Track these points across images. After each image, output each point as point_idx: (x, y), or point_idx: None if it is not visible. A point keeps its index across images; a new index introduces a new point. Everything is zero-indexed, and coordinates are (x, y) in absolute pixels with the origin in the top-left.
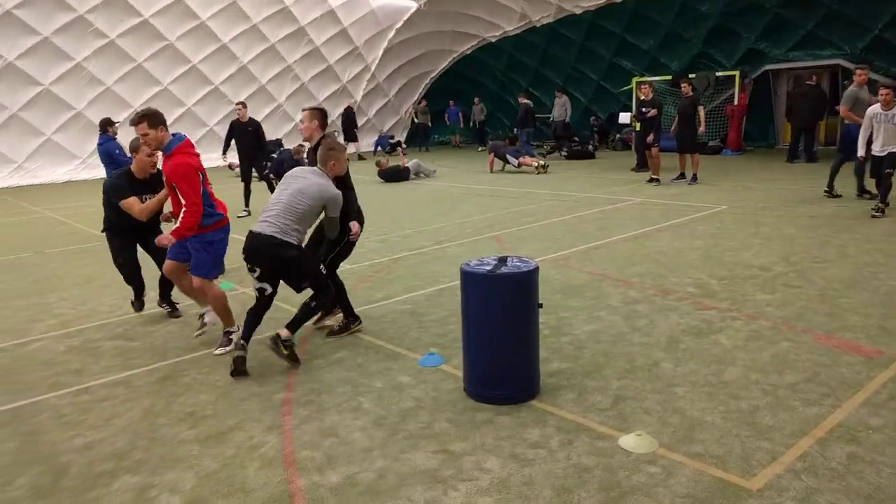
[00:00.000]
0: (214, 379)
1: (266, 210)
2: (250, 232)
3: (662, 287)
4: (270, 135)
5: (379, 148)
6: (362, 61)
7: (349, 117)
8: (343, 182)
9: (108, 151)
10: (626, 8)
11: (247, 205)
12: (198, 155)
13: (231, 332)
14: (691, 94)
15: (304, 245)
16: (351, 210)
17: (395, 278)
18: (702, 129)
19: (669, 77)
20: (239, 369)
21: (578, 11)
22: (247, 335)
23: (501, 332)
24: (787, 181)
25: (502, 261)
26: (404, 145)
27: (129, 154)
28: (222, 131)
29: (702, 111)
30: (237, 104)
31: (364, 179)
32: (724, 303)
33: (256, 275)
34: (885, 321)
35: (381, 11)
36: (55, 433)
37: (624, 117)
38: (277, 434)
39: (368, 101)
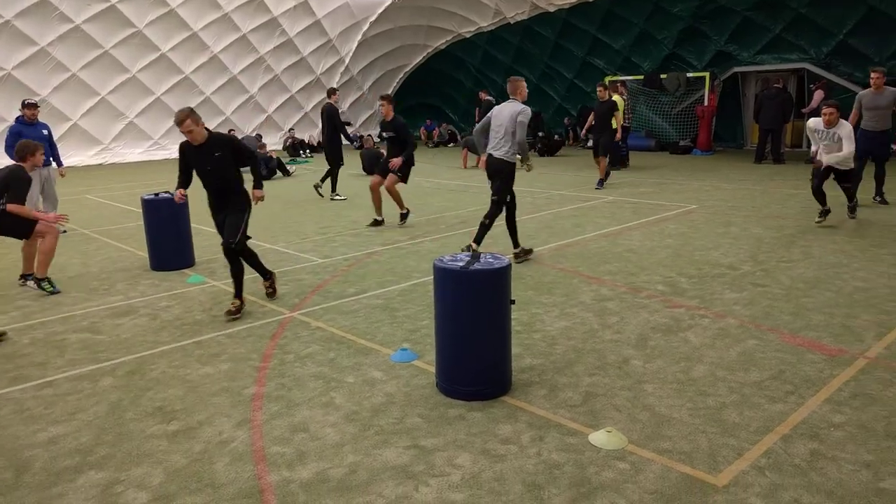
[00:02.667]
0: (184, 373)
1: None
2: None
3: (633, 285)
4: (244, 127)
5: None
6: (336, 54)
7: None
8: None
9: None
10: (600, 7)
11: None
12: None
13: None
14: (607, 98)
15: None
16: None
17: (369, 273)
18: (618, 135)
19: (642, 77)
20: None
21: (552, 9)
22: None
23: (474, 328)
24: (755, 181)
25: (475, 257)
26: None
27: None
28: None
29: (619, 117)
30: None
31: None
32: (693, 301)
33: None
34: (847, 320)
35: (355, 4)
36: (17, 427)
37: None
38: (247, 429)
39: (342, 94)
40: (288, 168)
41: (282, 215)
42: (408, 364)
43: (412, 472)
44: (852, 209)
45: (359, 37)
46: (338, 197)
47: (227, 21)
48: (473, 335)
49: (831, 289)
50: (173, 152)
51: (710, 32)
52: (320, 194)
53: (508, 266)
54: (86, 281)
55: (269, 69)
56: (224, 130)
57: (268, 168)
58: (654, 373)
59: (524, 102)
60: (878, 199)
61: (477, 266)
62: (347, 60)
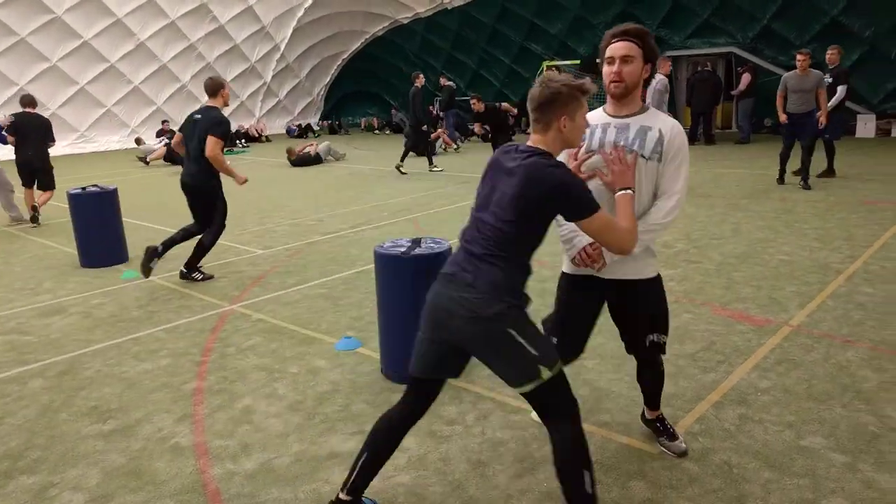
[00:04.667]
0: (121, 371)
1: None
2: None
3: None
4: (178, 118)
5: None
6: (271, 41)
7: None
8: None
9: None
10: None
11: None
12: None
13: None
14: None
15: None
16: None
17: (310, 262)
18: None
19: (579, 61)
20: None
21: None
22: None
23: (416, 312)
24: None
25: (416, 242)
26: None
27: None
28: (122, 112)
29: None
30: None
31: (272, 162)
32: None
33: None
34: (773, 292)
35: None
36: None
37: None
38: (188, 424)
39: (278, 81)
40: None
41: None
42: (352, 352)
43: None
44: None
45: (294, 23)
46: (436, 168)
47: (154, 7)
48: (416, 320)
49: (759, 263)
50: (101, 145)
51: (643, 17)
52: (403, 172)
53: (449, 250)
54: (9, 281)
55: (200, 57)
56: (157, 121)
57: None
58: (594, 349)
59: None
60: (801, 183)
61: (418, 251)
62: (283, 48)
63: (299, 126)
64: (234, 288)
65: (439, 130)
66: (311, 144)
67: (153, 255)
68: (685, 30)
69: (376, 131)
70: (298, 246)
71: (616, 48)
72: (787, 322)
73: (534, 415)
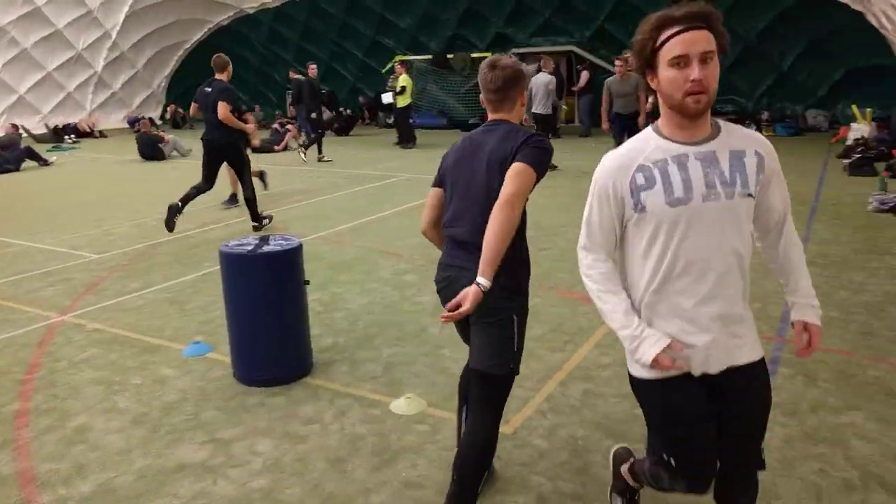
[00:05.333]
0: None
1: None
2: None
3: (430, 257)
4: None
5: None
6: (100, 27)
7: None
8: None
9: None
10: None
11: None
12: None
13: None
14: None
15: None
16: None
17: (154, 266)
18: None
19: (430, 56)
20: None
21: None
22: None
23: (267, 312)
24: None
25: (264, 240)
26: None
27: None
28: None
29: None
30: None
31: (110, 160)
32: None
33: None
34: None
35: None
36: None
37: (386, 97)
38: (10, 450)
39: (112, 72)
40: (45, 157)
41: (47, 209)
42: (201, 357)
43: (210, 465)
44: None
45: (125, 9)
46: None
47: None
48: (267, 320)
49: None
50: None
51: (489, 15)
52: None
53: (299, 246)
54: None
55: (13, 42)
56: None
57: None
58: (449, 337)
59: None
60: None
61: (266, 249)
62: (115, 35)
63: (138, 120)
64: (64, 297)
65: (289, 126)
66: (163, 133)
67: (175, 211)
68: (529, 28)
69: None
70: (140, 248)
71: (690, 41)
72: None
73: (393, 406)
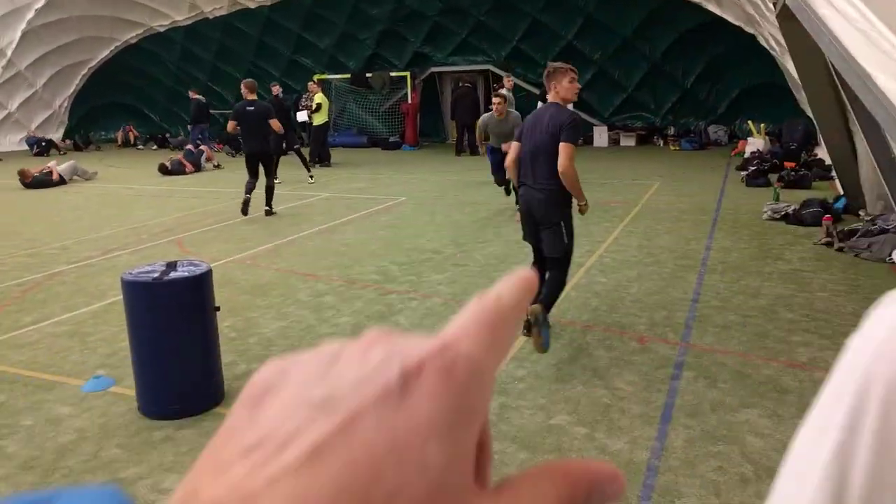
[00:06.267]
0: None
1: None
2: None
3: (348, 277)
4: None
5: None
6: None
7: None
8: None
9: None
10: (302, 6)
11: None
12: None
13: None
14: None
15: None
16: None
17: (51, 297)
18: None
19: (349, 75)
20: None
21: (253, 6)
22: None
23: (174, 342)
24: (456, 173)
25: (171, 266)
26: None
27: None
28: None
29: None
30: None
31: (7, 184)
32: (404, 286)
33: None
34: None
35: None
36: None
37: (301, 116)
38: None
39: (7, 91)
40: None
41: None
42: (103, 392)
43: None
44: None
45: (22, 26)
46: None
47: None
48: (174, 349)
49: (515, 261)
50: None
51: (408, 35)
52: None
53: (209, 271)
54: None
55: None
56: None
57: None
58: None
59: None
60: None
61: (173, 275)
62: (10, 53)
63: (40, 141)
64: None
65: (202, 147)
66: (52, 165)
67: (269, 213)
68: (447, 48)
69: (140, 147)
70: (36, 279)
71: None
72: None
73: None
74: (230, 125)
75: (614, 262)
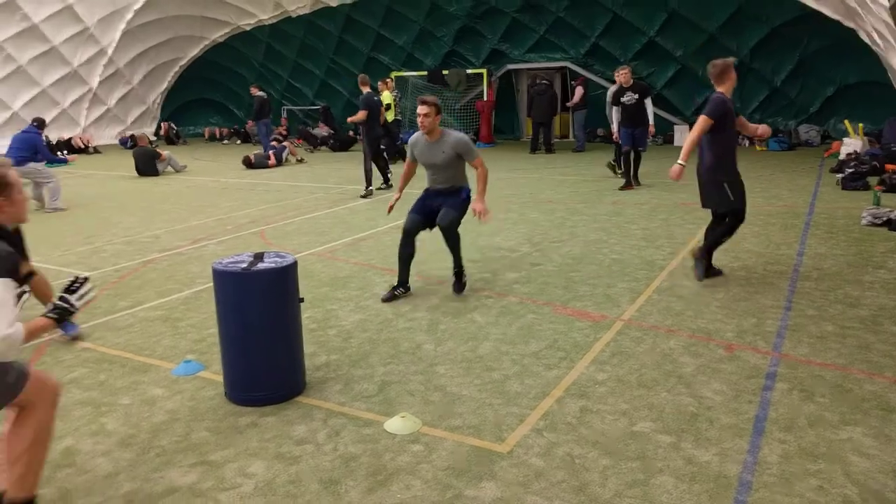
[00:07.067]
0: None
1: None
2: None
3: (423, 273)
4: None
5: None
6: (96, 44)
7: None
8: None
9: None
10: (381, 4)
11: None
12: None
13: None
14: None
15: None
16: None
17: (145, 283)
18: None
19: (425, 73)
20: None
21: (334, 4)
22: None
23: (260, 330)
24: (531, 171)
25: (258, 257)
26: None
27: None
28: None
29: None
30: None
31: (103, 176)
32: (478, 283)
33: None
34: (607, 289)
35: None
36: None
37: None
38: None
39: (107, 88)
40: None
41: (35, 225)
42: (193, 376)
43: (200, 489)
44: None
45: (122, 26)
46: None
47: None
48: (260, 338)
49: (594, 262)
50: None
51: (485, 32)
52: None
53: (294, 264)
54: None
55: (9, 59)
56: None
57: None
58: (445, 354)
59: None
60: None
61: (261, 266)
62: (110, 52)
63: (132, 137)
64: None
65: (286, 143)
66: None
67: (384, 182)
68: (524, 45)
69: (225, 141)
70: (132, 265)
71: None
72: (619, 317)
73: (387, 425)
74: (361, 114)
75: None
